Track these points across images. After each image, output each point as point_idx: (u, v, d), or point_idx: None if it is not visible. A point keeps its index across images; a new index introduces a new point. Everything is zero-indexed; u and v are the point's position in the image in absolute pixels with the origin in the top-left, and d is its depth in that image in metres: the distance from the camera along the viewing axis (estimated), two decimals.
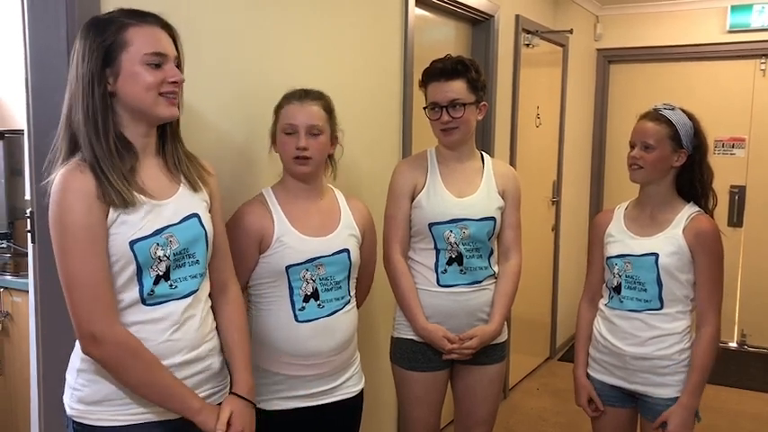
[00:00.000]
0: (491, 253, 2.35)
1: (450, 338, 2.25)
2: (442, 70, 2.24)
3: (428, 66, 2.31)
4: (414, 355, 2.32)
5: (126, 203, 1.46)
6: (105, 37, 1.46)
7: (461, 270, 2.28)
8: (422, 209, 2.27)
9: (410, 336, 2.32)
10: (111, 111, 1.48)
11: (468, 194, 2.29)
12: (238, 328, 1.73)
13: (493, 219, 2.30)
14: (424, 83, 2.29)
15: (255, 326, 1.94)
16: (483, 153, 2.41)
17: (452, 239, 2.25)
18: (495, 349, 2.36)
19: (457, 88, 2.22)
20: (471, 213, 2.26)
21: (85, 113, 1.45)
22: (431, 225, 2.26)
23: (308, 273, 1.91)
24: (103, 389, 1.50)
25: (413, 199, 2.29)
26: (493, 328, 2.30)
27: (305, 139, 1.90)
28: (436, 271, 2.28)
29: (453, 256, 2.27)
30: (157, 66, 1.50)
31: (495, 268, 2.37)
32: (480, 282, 2.31)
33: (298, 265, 1.90)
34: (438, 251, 2.27)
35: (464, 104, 2.22)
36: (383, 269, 2.34)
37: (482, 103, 2.30)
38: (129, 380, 1.49)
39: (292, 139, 1.91)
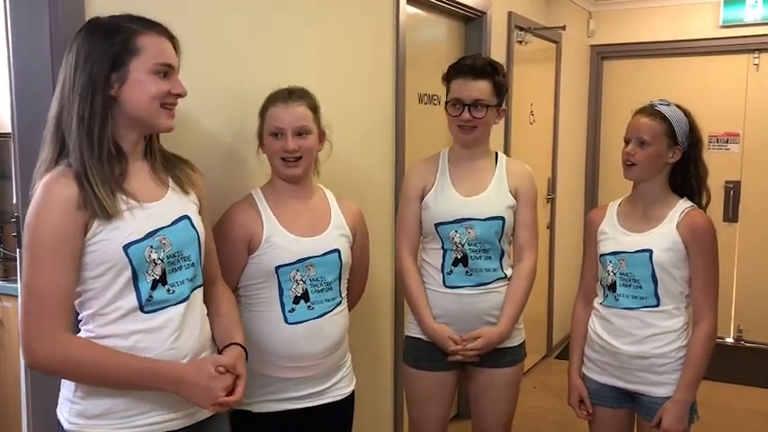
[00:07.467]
0: (502, 255, 2.29)
1: (454, 339, 2.24)
2: (471, 67, 2.22)
3: (456, 62, 2.28)
4: (420, 353, 2.32)
5: (108, 216, 1.42)
6: (115, 41, 1.43)
7: (467, 271, 2.25)
8: (428, 209, 2.27)
9: (418, 335, 2.32)
10: (109, 116, 1.45)
11: (476, 194, 2.27)
12: (230, 305, 1.75)
13: (501, 218, 2.24)
14: (449, 78, 2.26)
15: (245, 327, 1.90)
16: (498, 153, 2.37)
17: (457, 239, 2.23)
18: (506, 353, 2.31)
19: (483, 88, 2.20)
20: (477, 213, 2.23)
21: (80, 117, 1.42)
22: (437, 225, 2.25)
23: (298, 273, 1.89)
24: (104, 402, 1.47)
25: (423, 200, 2.28)
26: (499, 330, 2.25)
27: (293, 141, 1.88)
28: (442, 272, 2.27)
29: (459, 257, 2.25)
30: (164, 76, 1.49)
31: (508, 271, 2.31)
32: (487, 284, 2.26)
33: (288, 265, 1.88)
34: (445, 251, 2.26)
35: (487, 106, 2.21)
36: (384, 271, 2.32)
37: (502, 108, 2.28)
38: (89, 383, 1.45)
39: (280, 142, 1.89)
